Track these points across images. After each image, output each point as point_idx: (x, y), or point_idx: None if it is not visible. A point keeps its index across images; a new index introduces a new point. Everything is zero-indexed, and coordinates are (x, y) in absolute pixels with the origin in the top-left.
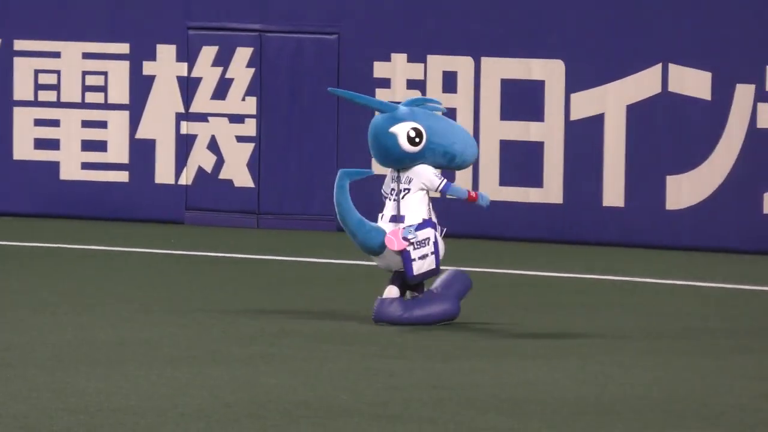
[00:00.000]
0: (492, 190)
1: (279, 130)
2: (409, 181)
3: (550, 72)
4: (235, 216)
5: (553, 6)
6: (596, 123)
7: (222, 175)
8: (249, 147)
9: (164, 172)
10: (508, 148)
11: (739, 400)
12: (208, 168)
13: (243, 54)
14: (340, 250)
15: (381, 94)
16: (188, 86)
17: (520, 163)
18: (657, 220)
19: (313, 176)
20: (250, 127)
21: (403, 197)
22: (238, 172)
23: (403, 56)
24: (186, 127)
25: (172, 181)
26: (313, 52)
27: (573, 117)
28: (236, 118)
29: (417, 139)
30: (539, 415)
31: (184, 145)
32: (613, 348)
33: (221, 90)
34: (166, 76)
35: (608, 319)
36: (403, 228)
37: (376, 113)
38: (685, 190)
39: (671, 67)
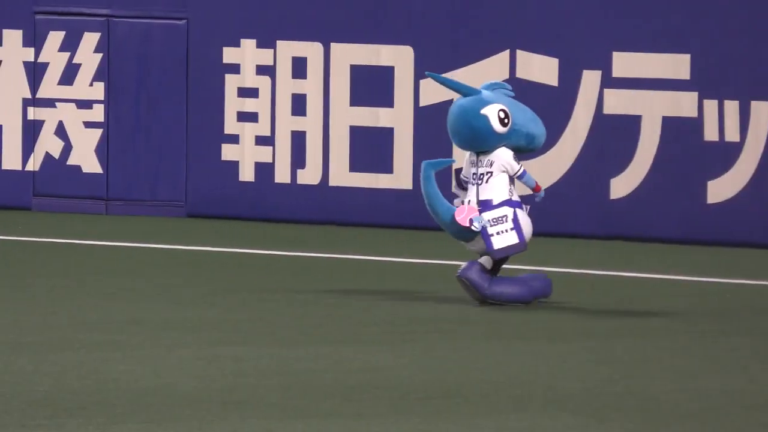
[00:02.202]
0: (342, 176)
1: (127, 116)
2: (491, 164)
3: (399, 58)
4: (83, 202)
5: None
6: (445, 109)
7: (70, 161)
8: (97, 133)
9: (11, 158)
10: (357, 134)
11: (584, 384)
12: (56, 154)
13: (90, 39)
14: (188, 236)
15: (230, 80)
16: (35, 72)
17: (370, 149)
18: None
19: (161, 162)
20: (98, 113)
21: (487, 180)
22: (86, 158)
23: (253, 42)
24: (33, 113)
25: (19, 167)
26: (161, 38)
27: (422, 103)
28: (84, 104)
29: (506, 120)
30: (385, 400)
31: (32, 130)
32: (458, 333)
33: (69, 75)
34: (12, 62)
35: (453, 305)
36: (478, 212)
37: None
38: (534, 175)
39: (518, 53)
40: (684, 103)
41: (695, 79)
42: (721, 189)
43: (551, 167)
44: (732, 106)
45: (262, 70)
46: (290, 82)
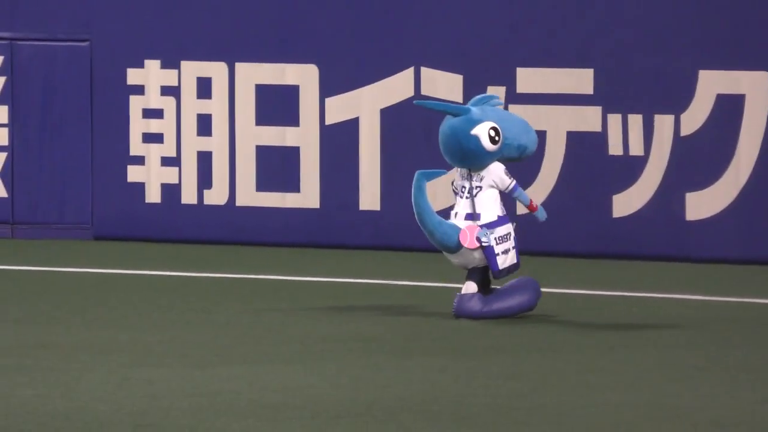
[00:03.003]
0: (249, 196)
1: (32, 139)
2: (481, 179)
3: (304, 77)
4: None
5: (306, 11)
6: (351, 127)
7: None
8: (1, 156)
9: None
10: (264, 153)
11: (494, 400)
12: None
13: None
14: (95, 259)
15: (135, 101)
16: None
17: (277, 168)
18: (412, 222)
19: (67, 185)
20: (2, 137)
21: (476, 195)
22: None
23: (157, 62)
24: None
25: None
26: (65, 60)
27: (328, 121)
28: None
29: (496, 138)
30: (298, 420)
31: None
32: (369, 351)
33: None
34: None
35: (365, 323)
36: (480, 228)
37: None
38: (440, 192)
39: (423, 70)
40: (588, 118)
41: (599, 93)
42: (627, 202)
43: None
44: (636, 120)
45: (166, 90)
46: (195, 103)
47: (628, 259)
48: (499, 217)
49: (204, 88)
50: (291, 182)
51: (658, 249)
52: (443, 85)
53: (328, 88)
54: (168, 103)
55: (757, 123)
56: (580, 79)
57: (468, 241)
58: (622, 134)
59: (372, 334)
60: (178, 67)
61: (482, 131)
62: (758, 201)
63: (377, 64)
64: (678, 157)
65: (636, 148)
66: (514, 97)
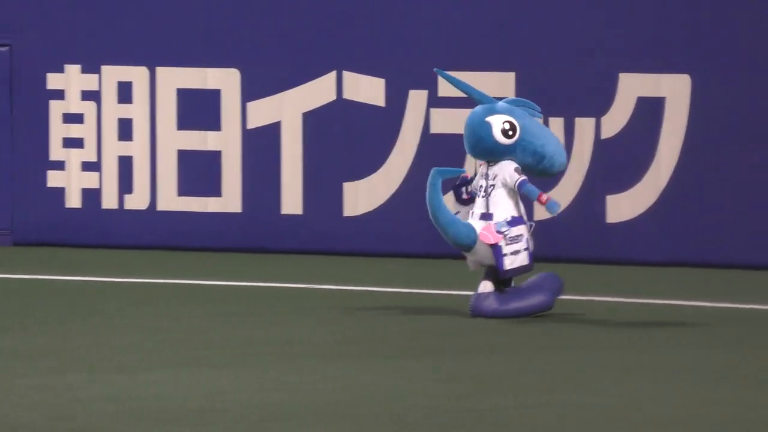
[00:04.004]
0: (170, 200)
1: None
2: (494, 177)
3: (225, 81)
4: None
5: (228, 15)
6: (273, 131)
7: None
8: None
9: None
10: (185, 157)
11: (430, 402)
12: None
13: None
14: (15, 265)
15: (55, 106)
16: None
17: (199, 172)
18: (335, 226)
19: None
20: None
21: (491, 194)
22: None
23: (77, 67)
24: None
25: None
26: None
27: (250, 126)
28: None
29: (510, 132)
30: (223, 424)
31: None
32: (293, 355)
33: None
34: None
35: (291, 327)
36: (495, 223)
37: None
38: (362, 196)
39: (345, 74)
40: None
41: (521, 96)
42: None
43: (379, 188)
44: (557, 123)
45: (87, 95)
46: (116, 107)
47: (549, 261)
48: (513, 217)
49: (125, 93)
50: (213, 187)
51: (579, 251)
52: (365, 89)
53: (250, 92)
54: (88, 108)
55: (677, 126)
56: (502, 83)
57: (491, 238)
58: None
59: (296, 337)
60: (98, 71)
61: (496, 121)
62: (678, 203)
63: (299, 68)
64: (599, 159)
65: None
66: (435, 101)
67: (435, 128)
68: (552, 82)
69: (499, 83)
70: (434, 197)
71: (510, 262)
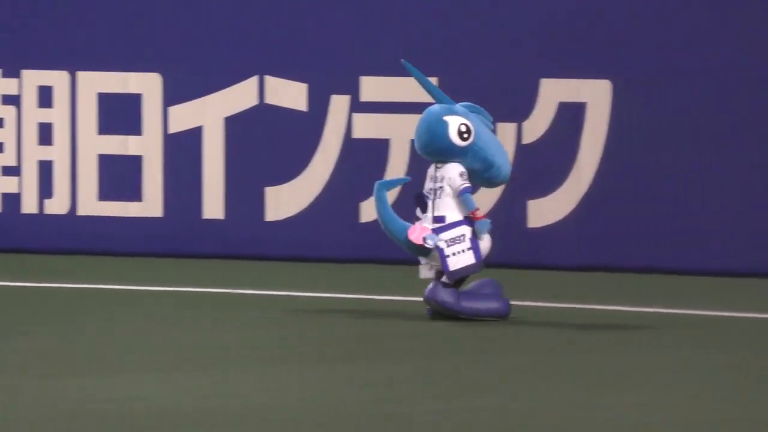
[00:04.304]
0: (91, 205)
1: None
2: (442, 179)
3: (147, 85)
4: None
5: (149, 19)
6: (195, 136)
7: None
8: None
9: None
10: (106, 162)
11: (346, 407)
12: None
13: None
14: None
15: None
16: None
17: (120, 177)
18: (257, 231)
19: None
20: None
21: (440, 196)
22: None
23: None
24: None
25: None
26: None
27: (171, 130)
28: None
29: (466, 135)
30: (153, 429)
31: None
32: (218, 360)
33: None
34: None
35: (214, 331)
36: (432, 228)
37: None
38: (284, 200)
39: (267, 78)
40: None
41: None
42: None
43: (301, 192)
44: None
45: (7, 99)
46: (36, 111)
47: None
48: (460, 218)
49: (45, 97)
50: (134, 191)
51: (501, 256)
52: (288, 93)
53: (172, 96)
54: (8, 113)
55: (598, 131)
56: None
57: (415, 236)
58: None
59: (222, 343)
60: (18, 75)
61: (453, 122)
62: (599, 208)
63: (221, 72)
64: (520, 165)
65: None
66: (358, 106)
67: (357, 133)
68: (473, 87)
69: (420, 88)
70: (383, 210)
71: (454, 263)
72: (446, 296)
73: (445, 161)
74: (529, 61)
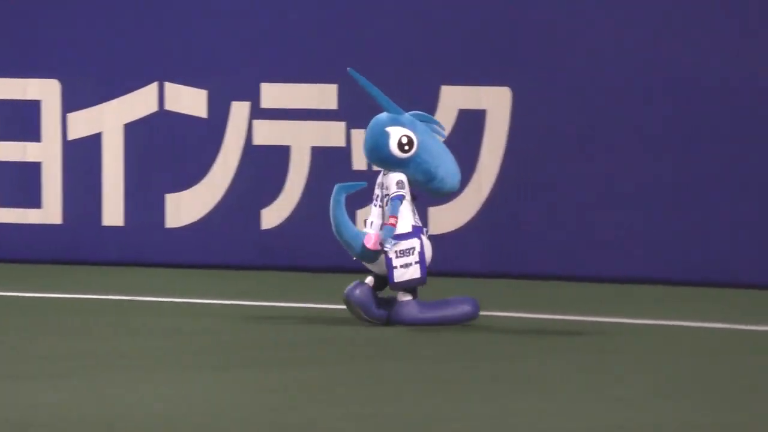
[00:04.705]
0: None
1: None
2: (387, 188)
3: (46, 92)
4: None
5: (48, 25)
6: (94, 142)
7: None
8: None
9: None
10: (4, 169)
11: (244, 413)
12: None
13: None
14: None
15: None
16: None
17: (18, 184)
18: (158, 238)
19: None
20: None
21: (385, 204)
22: None
23: None
24: None
25: None
26: None
27: (71, 137)
28: None
29: (407, 147)
30: None
31: None
32: (119, 367)
33: None
34: None
35: (113, 339)
36: (385, 238)
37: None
38: (185, 207)
39: (167, 85)
40: (332, 133)
41: (343, 109)
42: (367, 216)
43: (202, 199)
44: None
45: None
46: None
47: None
48: (413, 228)
49: None
50: (32, 198)
51: None
52: (187, 100)
53: (71, 103)
54: None
55: (498, 138)
56: (325, 95)
57: (372, 242)
58: None
59: (118, 349)
60: None
61: (395, 133)
62: (499, 215)
63: (120, 79)
64: None
65: None
66: (258, 113)
67: (257, 140)
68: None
69: (321, 95)
70: (338, 213)
71: (400, 275)
72: (409, 312)
73: (389, 170)
74: (429, 69)
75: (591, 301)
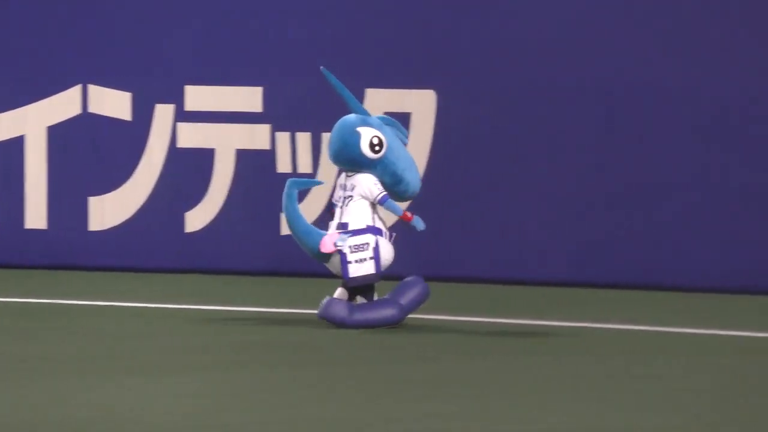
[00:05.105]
0: None
1: None
2: (353, 188)
3: None
4: None
5: None
6: (16, 145)
7: None
8: None
9: None
10: None
11: (166, 418)
12: None
13: None
14: None
15: None
16: None
17: None
18: (81, 241)
19: None
20: None
21: (347, 204)
22: None
23: None
24: None
25: None
26: None
27: None
28: None
29: (378, 148)
30: None
31: None
32: (40, 371)
33: None
34: None
35: (36, 342)
36: (339, 233)
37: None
38: (108, 210)
39: (90, 87)
40: (257, 136)
41: (268, 111)
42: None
43: (127, 201)
44: (304, 138)
45: None
46: None
47: (298, 276)
48: (367, 226)
49: None
50: None
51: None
52: (111, 102)
53: None
54: None
55: (423, 141)
56: (250, 98)
57: (326, 247)
58: (291, 152)
59: (45, 353)
60: None
61: (366, 133)
62: (424, 217)
63: (43, 81)
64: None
65: (304, 166)
66: (182, 115)
67: (182, 142)
68: (299, 97)
69: (246, 98)
70: (290, 208)
71: (354, 270)
72: (337, 312)
73: (355, 171)
74: (354, 71)
75: (513, 304)
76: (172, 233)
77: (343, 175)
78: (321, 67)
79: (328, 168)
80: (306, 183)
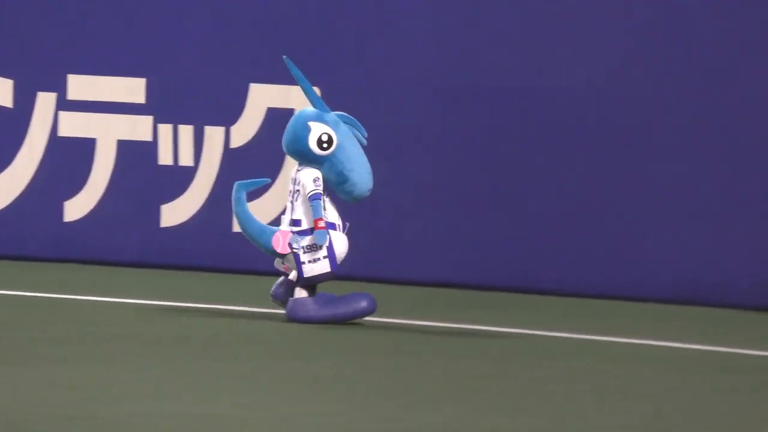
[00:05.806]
0: None
1: None
2: (299, 183)
3: None
4: None
5: None
6: None
7: None
8: None
9: None
10: None
11: (49, 411)
12: None
13: None
14: None
15: None
16: None
17: None
18: None
19: None
20: None
21: (296, 199)
22: None
23: None
24: None
25: None
26: None
27: None
28: None
29: (325, 145)
30: None
31: None
32: None
33: None
34: None
35: None
36: (292, 234)
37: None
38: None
39: None
40: (139, 127)
41: (151, 103)
42: (175, 213)
43: (5, 189)
44: (186, 131)
45: None
46: None
47: (175, 269)
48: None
49: None
50: None
51: (206, 260)
52: None
53: None
54: None
55: None
56: (132, 88)
57: (280, 246)
58: (173, 144)
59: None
60: None
61: (317, 129)
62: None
63: None
64: (227, 168)
65: (186, 159)
66: (64, 104)
67: (63, 131)
68: (182, 89)
69: (129, 89)
70: (240, 210)
71: (308, 270)
72: (305, 311)
73: (304, 164)
74: (238, 66)
75: (449, 306)
76: (50, 222)
77: (295, 168)
78: (284, 56)
79: (209, 163)
80: (252, 184)
